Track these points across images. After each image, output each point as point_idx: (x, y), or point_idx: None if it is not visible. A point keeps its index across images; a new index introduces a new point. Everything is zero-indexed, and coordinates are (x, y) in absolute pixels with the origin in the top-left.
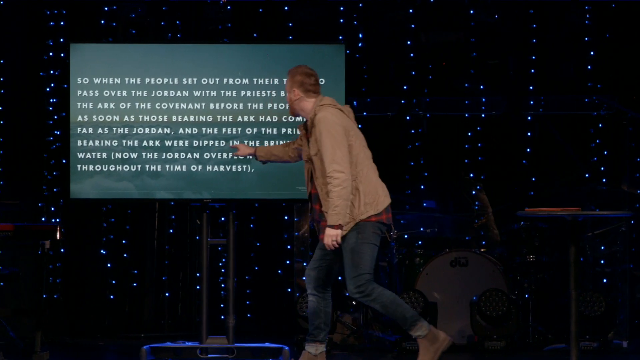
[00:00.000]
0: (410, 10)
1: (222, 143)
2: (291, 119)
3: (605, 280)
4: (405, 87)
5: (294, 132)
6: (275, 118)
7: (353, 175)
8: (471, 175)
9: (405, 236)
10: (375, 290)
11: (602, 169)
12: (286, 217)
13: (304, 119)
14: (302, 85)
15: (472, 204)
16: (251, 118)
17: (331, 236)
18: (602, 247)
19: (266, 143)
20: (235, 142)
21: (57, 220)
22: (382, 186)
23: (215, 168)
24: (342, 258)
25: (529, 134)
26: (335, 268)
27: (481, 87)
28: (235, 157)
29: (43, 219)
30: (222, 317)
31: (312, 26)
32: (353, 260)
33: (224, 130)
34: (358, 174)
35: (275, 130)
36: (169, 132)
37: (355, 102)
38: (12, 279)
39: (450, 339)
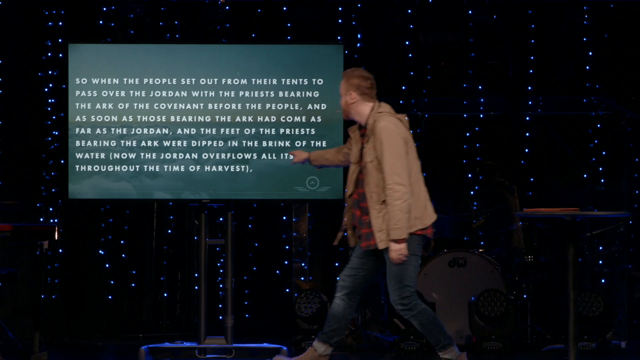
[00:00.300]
0: (409, 11)
1: (221, 143)
2: (290, 119)
3: (603, 281)
4: (404, 88)
5: (292, 133)
6: (273, 118)
7: None
8: (469, 175)
9: None
10: (418, 307)
11: (601, 169)
12: (284, 218)
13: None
14: (359, 89)
15: (471, 205)
16: (249, 118)
17: (397, 251)
18: (601, 248)
19: (264, 143)
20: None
21: (56, 220)
22: (429, 201)
23: (214, 168)
24: (377, 269)
25: (527, 134)
26: (371, 279)
27: (480, 87)
28: (292, 164)
29: (41, 220)
30: (221, 317)
31: (310, 26)
32: (399, 272)
33: (222, 130)
34: (411, 186)
35: (273, 130)
36: (167, 132)
37: None
38: (11, 279)
39: None
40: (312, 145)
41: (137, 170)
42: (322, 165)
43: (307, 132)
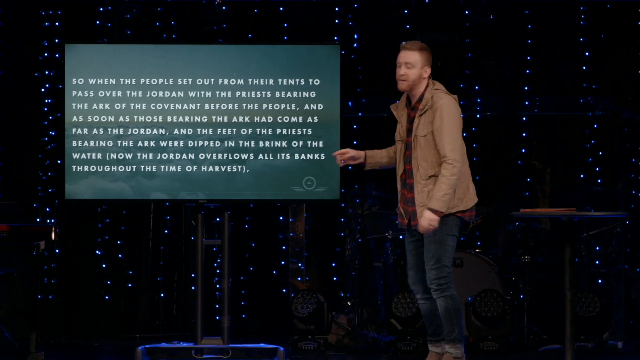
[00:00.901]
0: (406, 11)
1: (217, 144)
2: (286, 119)
3: (600, 281)
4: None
5: (289, 133)
6: (270, 118)
7: None
8: None
9: (401, 237)
10: (451, 290)
11: (598, 169)
12: (281, 218)
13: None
14: (430, 64)
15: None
16: (246, 119)
17: (429, 220)
18: (597, 248)
19: (261, 144)
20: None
21: (52, 220)
22: (472, 184)
23: (211, 169)
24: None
25: (524, 134)
26: None
27: (476, 87)
28: (341, 162)
29: (38, 220)
30: (217, 317)
31: (307, 27)
32: (437, 251)
33: (219, 130)
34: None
35: (270, 130)
36: (164, 132)
37: (350, 103)
38: (7, 279)
39: None
40: (309, 145)
41: (134, 170)
42: (378, 165)
43: (304, 133)
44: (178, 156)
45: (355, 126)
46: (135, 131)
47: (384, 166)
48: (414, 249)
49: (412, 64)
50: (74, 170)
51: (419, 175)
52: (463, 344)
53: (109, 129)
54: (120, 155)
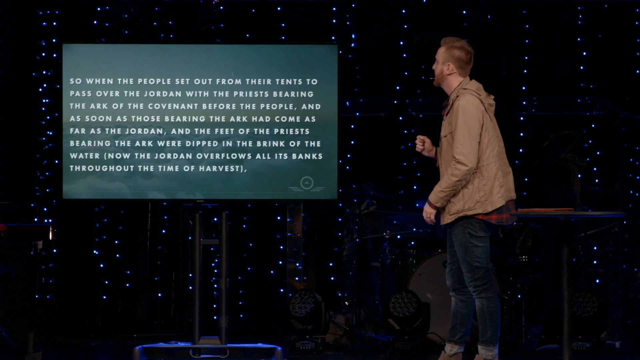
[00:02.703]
0: (403, 11)
1: (215, 143)
2: (284, 119)
3: (598, 281)
4: (398, 88)
5: (286, 133)
6: (268, 118)
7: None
8: None
9: (398, 237)
10: (488, 292)
11: (595, 169)
12: (279, 218)
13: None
14: (458, 61)
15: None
16: (244, 118)
17: (427, 212)
18: (595, 248)
19: (258, 143)
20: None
21: (50, 220)
22: (500, 186)
23: (208, 168)
24: None
25: (521, 134)
26: None
27: None
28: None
29: (36, 220)
30: (215, 317)
31: (305, 26)
32: (465, 254)
33: (216, 130)
34: (478, 169)
35: (267, 130)
36: (161, 132)
37: (348, 103)
38: (5, 279)
39: None
40: (307, 145)
41: (132, 170)
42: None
43: (302, 132)
44: (176, 156)
45: (353, 126)
46: (133, 131)
47: None
48: (450, 247)
49: (436, 59)
50: (71, 170)
51: (442, 176)
52: (497, 346)
53: (107, 129)
54: (118, 155)
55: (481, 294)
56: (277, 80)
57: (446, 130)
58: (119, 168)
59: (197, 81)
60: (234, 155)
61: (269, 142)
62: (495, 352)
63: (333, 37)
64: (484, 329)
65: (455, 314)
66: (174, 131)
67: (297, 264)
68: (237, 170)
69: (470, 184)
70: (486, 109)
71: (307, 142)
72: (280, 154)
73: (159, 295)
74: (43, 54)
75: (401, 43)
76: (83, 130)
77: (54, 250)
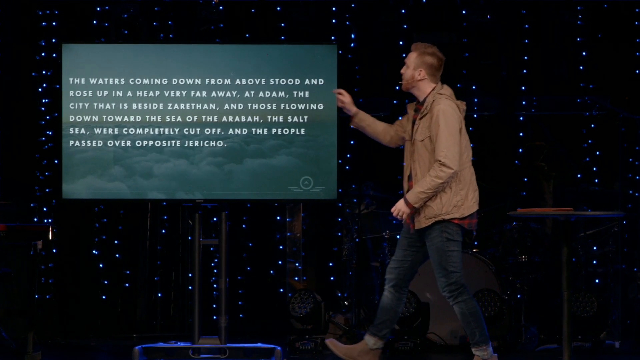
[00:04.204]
0: (403, 11)
1: (214, 143)
2: (283, 119)
3: (597, 281)
4: (397, 88)
5: (285, 133)
6: (267, 118)
7: None
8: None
9: (398, 237)
10: (463, 295)
11: (595, 169)
12: (278, 218)
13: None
14: (430, 68)
15: None
16: (243, 118)
17: (401, 210)
18: (595, 248)
19: (258, 143)
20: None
21: (50, 220)
22: (474, 190)
23: (208, 168)
24: (423, 258)
25: (521, 134)
26: (416, 268)
27: (473, 87)
28: (340, 104)
29: (35, 220)
30: (215, 317)
31: (304, 26)
32: (441, 259)
33: (216, 130)
34: (456, 173)
35: (265, 130)
36: (161, 132)
37: None
38: (4, 279)
39: None
40: (306, 145)
41: (131, 170)
42: (362, 129)
43: (301, 132)
44: (175, 156)
45: (352, 126)
46: (132, 131)
47: (371, 135)
48: (406, 245)
49: (407, 64)
50: (71, 169)
51: (416, 180)
52: (489, 344)
53: (106, 129)
54: (118, 155)
55: (457, 298)
56: (277, 80)
57: (423, 134)
58: (118, 168)
59: (196, 81)
60: (233, 155)
61: (269, 142)
62: (489, 350)
63: (333, 37)
64: (472, 331)
65: (388, 309)
66: (173, 131)
67: (297, 264)
68: (236, 170)
69: (449, 188)
70: (461, 113)
71: (306, 142)
72: (280, 154)
73: (159, 295)
74: (43, 54)
75: (401, 43)
76: (82, 130)
77: (54, 250)
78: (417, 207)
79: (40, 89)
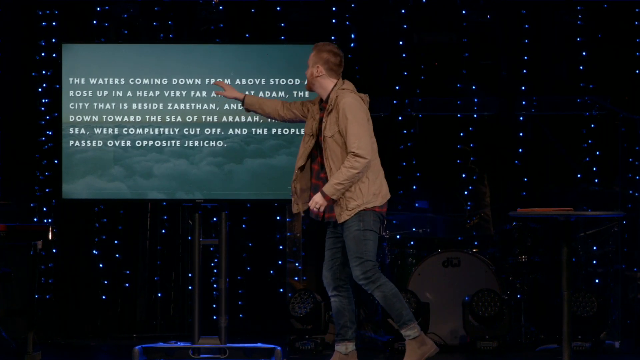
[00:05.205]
0: (403, 11)
1: (214, 143)
2: None
3: (597, 281)
4: (397, 88)
5: (284, 133)
6: (267, 119)
7: None
8: (463, 175)
9: (398, 236)
10: (381, 279)
11: (595, 169)
12: (278, 218)
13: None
14: (327, 63)
15: (465, 204)
16: (243, 118)
17: (318, 203)
18: (595, 248)
19: (258, 143)
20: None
21: (49, 220)
22: (385, 181)
23: (208, 168)
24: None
25: (521, 134)
26: (347, 262)
27: (473, 87)
28: (218, 95)
29: (35, 220)
30: (215, 317)
31: (304, 26)
32: (358, 247)
33: (216, 130)
34: (369, 163)
35: (265, 130)
36: (161, 132)
37: None
38: (4, 279)
39: (437, 349)
40: None
41: (131, 170)
42: (254, 112)
43: (300, 132)
44: (175, 156)
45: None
46: (132, 131)
47: (264, 116)
48: (332, 244)
49: (308, 64)
50: (71, 169)
51: (330, 174)
52: (415, 321)
53: (106, 129)
54: (118, 155)
55: (375, 284)
56: (277, 80)
57: (332, 130)
58: (118, 168)
59: (196, 81)
60: (233, 155)
61: (269, 141)
62: (418, 327)
63: (333, 37)
64: (398, 312)
65: (341, 313)
66: (173, 131)
67: (297, 264)
68: (236, 170)
69: (365, 177)
70: (365, 104)
71: None
72: (280, 154)
73: (159, 295)
74: (42, 54)
75: (400, 43)
76: (82, 130)
77: (54, 250)
78: (335, 199)
79: (40, 89)
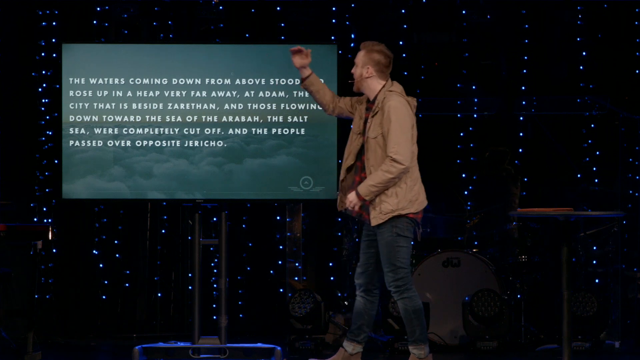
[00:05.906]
0: (403, 11)
1: (214, 143)
2: (283, 118)
3: (597, 281)
4: None
5: (285, 133)
6: (267, 118)
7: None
8: (463, 175)
9: None
10: (409, 292)
11: (594, 169)
12: (278, 218)
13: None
14: (377, 65)
15: (465, 204)
16: (243, 118)
17: (353, 202)
18: (594, 248)
19: (258, 143)
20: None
21: (49, 220)
22: (422, 187)
23: (208, 168)
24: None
25: (521, 134)
26: (381, 269)
27: (473, 87)
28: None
29: (35, 220)
30: (215, 317)
31: (304, 26)
32: (390, 253)
33: (216, 130)
34: (409, 169)
35: (265, 130)
36: (161, 132)
37: None
38: (4, 279)
39: None
40: (306, 145)
41: (131, 170)
42: (310, 92)
43: (301, 132)
44: (175, 156)
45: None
46: (132, 131)
47: (317, 100)
48: (366, 248)
49: (356, 63)
50: (71, 169)
51: (368, 175)
52: (427, 344)
53: (106, 129)
54: (118, 155)
55: (403, 294)
56: (277, 80)
57: (376, 131)
58: (118, 168)
59: (196, 81)
60: (233, 155)
61: (269, 141)
62: (426, 350)
63: (333, 37)
64: (412, 328)
65: (362, 314)
66: (173, 131)
67: (297, 264)
68: (236, 170)
69: (403, 183)
70: (412, 108)
71: (306, 142)
72: (280, 154)
73: (159, 295)
74: (42, 54)
75: (400, 43)
76: (82, 130)
77: (54, 250)
78: (368, 200)
79: (40, 89)
